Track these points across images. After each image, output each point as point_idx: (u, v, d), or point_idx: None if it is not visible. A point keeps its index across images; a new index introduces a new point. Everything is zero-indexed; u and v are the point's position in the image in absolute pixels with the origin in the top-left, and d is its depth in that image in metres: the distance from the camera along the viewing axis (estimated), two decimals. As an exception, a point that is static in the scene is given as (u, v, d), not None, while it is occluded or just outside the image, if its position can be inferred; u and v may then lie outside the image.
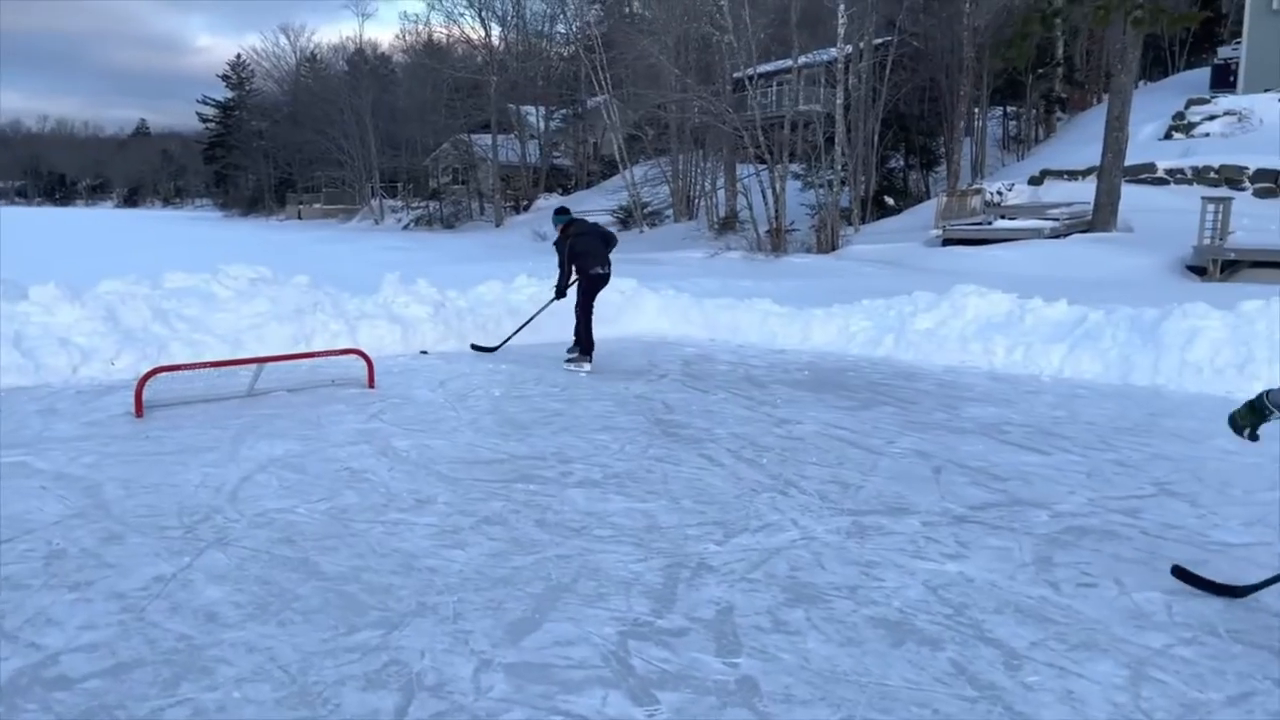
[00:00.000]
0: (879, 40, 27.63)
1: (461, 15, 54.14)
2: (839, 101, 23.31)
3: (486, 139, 52.02)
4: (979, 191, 23.84)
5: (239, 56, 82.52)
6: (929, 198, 30.27)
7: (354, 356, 7.78)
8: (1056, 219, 20.24)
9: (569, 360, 8.98)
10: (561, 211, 9.69)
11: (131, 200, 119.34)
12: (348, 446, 5.79)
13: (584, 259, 9.07)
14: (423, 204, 54.43)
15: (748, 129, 24.44)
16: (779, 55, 32.13)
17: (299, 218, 66.89)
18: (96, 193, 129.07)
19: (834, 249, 23.11)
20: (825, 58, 28.47)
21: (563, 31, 55.86)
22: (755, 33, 24.72)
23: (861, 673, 3.02)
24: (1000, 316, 9.65)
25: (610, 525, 4.44)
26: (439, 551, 4.06)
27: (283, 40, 78.72)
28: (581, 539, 4.25)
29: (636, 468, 5.44)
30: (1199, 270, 16.93)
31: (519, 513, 4.60)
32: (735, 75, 29.01)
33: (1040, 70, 31.67)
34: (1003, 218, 21.21)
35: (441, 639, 3.22)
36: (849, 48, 23.73)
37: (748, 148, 26.86)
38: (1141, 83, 36.51)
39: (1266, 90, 25.86)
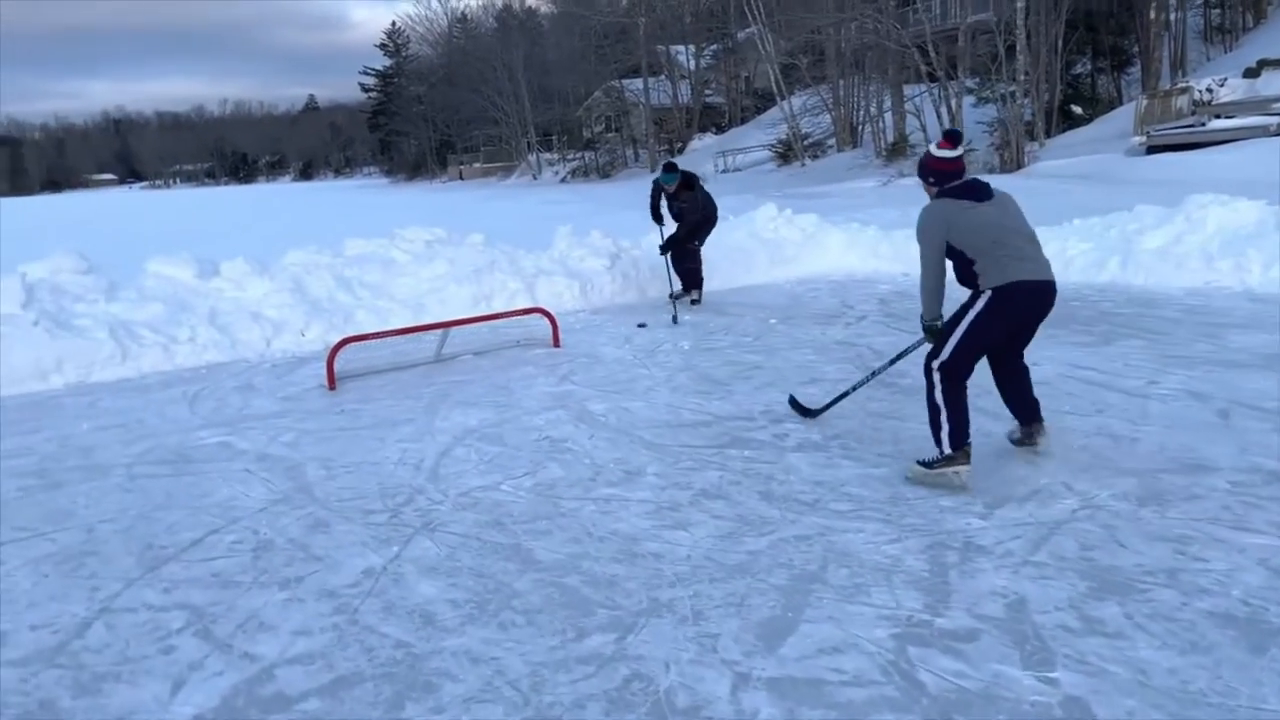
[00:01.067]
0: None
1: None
2: (1020, 4, 21.33)
3: (637, 84, 51.42)
4: (1185, 90, 21.46)
5: (394, 24, 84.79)
6: (1121, 103, 27.69)
7: (537, 315, 7.46)
8: (1278, 113, 17.92)
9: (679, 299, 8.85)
10: (670, 169, 9.15)
11: (306, 173, 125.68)
12: (543, 413, 5.46)
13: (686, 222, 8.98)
14: (578, 155, 54.53)
15: (917, 44, 22.80)
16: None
17: (460, 178, 68.44)
18: (275, 169, 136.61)
19: (1020, 167, 21.39)
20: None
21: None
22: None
23: (1225, 693, 2.38)
24: (1250, 227, 8.40)
25: (847, 497, 3.89)
26: (660, 533, 3.63)
27: (434, 3, 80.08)
28: (817, 514, 3.72)
29: (859, 425, 4.86)
30: None
31: (739, 484, 4.12)
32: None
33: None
34: (1217, 117, 18.98)
35: (685, 646, 2.77)
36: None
37: (917, 65, 25.18)
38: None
39: None
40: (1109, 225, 9.32)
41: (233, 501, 4.28)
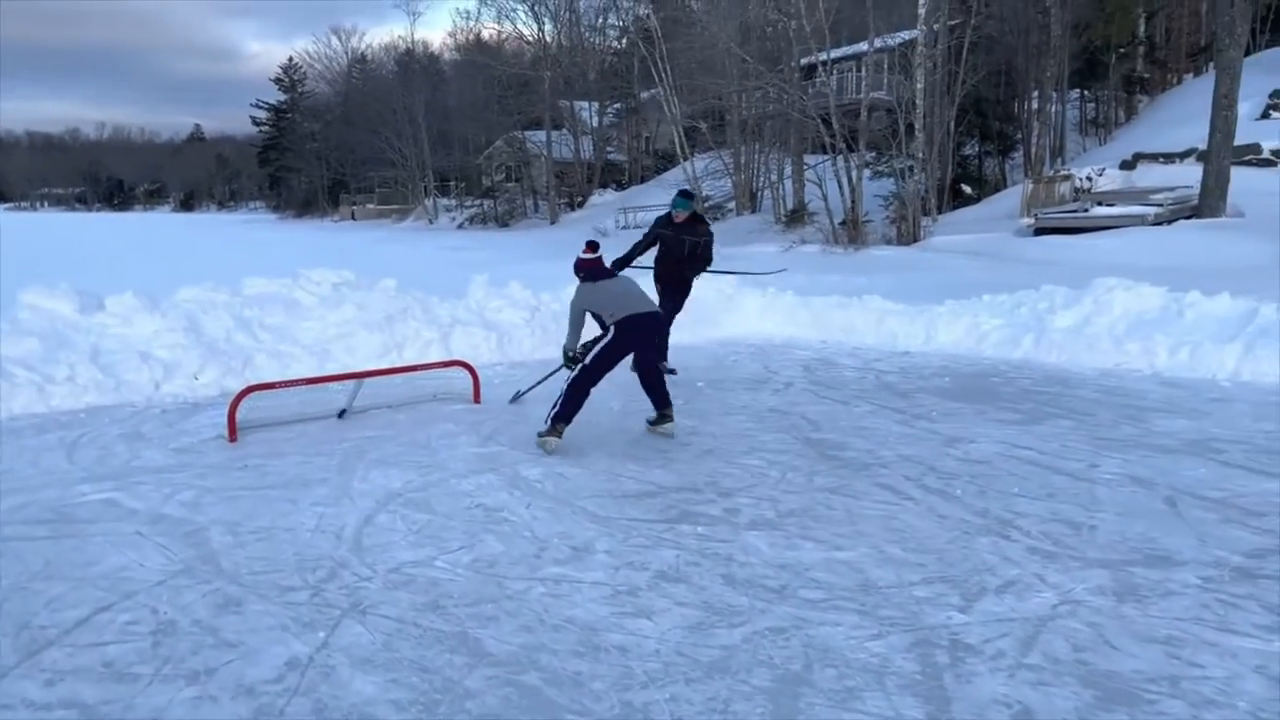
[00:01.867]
0: (953, 22, 26.47)
1: (514, 11, 53.43)
2: (919, 85, 22.21)
3: (539, 135, 51.50)
4: (1068, 177, 22.64)
5: (291, 59, 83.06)
6: (1006, 185, 29.06)
7: (457, 368, 7.06)
8: (1160, 204, 19.02)
9: None
10: (687, 195, 8.81)
11: (187, 204, 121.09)
12: (472, 477, 5.08)
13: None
14: (476, 202, 54.08)
15: (820, 115, 23.45)
16: (848, 40, 31.15)
17: (353, 218, 67.00)
18: (153, 197, 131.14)
19: (916, 240, 22.07)
20: (896, 41, 27.41)
21: (616, 25, 55.26)
22: (828, 15, 23.70)
23: (1268, 825, 2.21)
24: (1154, 312, 8.69)
25: (815, 583, 3.66)
26: (622, 622, 3.32)
27: (334, 42, 78.86)
28: (788, 603, 3.48)
29: (811, 502, 4.65)
30: (1326, 256, 15.67)
31: (698, 565, 3.84)
32: (804, 61, 28.01)
33: (1122, 49, 30.23)
34: (1099, 204, 20.01)
35: (674, 763, 2.47)
36: (927, 28, 22.61)
37: (821, 136, 25.87)
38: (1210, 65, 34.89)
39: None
40: (1019, 303, 9.54)
41: (124, 572, 3.76)
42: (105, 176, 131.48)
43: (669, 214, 8.60)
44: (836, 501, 4.66)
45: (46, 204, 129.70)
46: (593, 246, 6.23)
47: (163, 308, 8.19)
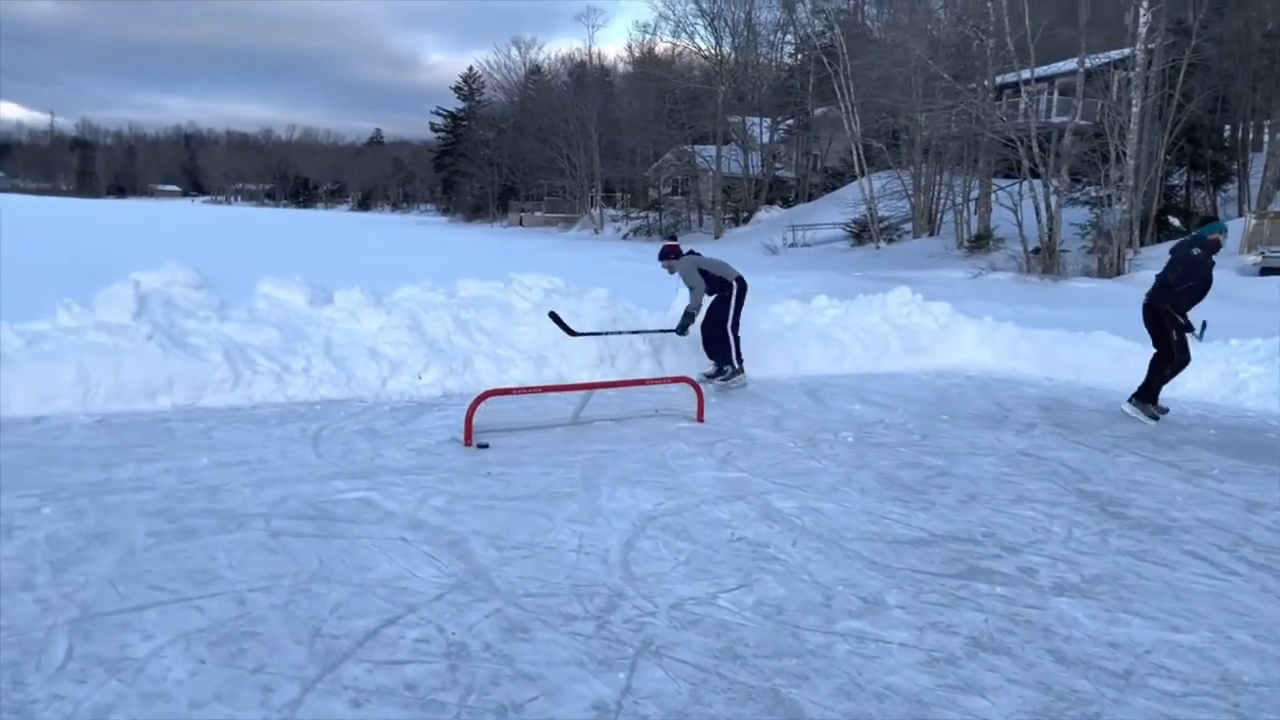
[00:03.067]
0: (1168, 42, 24.76)
1: (693, 25, 53.65)
2: (1135, 109, 20.81)
3: (708, 150, 51.52)
4: (1297, 213, 20.71)
5: (471, 69, 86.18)
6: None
7: (681, 384, 6.81)
8: None
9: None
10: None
11: (364, 204, 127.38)
12: (722, 504, 4.79)
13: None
14: (642, 214, 54.50)
15: (1020, 138, 22.31)
16: (1043, 59, 29.66)
17: (520, 224, 68.78)
18: (334, 196, 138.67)
19: (1120, 273, 20.67)
20: (1103, 60, 25.87)
21: (794, 40, 54.74)
22: (1034, 31, 22.55)
23: None
24: None
25: (1165, 671, 3.17)
26: (954, 698, 2.93)
27: (514, 52, 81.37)
28: (1141, 693, 3.01)
29: (1114, 567, 4.14)
30: None
31: (1013, 634, 3.41)
32: (999, 80, 26.84)
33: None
34: (1339, 244, 18.19)
35: None
36: (1144, 47, 21.17)
37: (1010, 159, 24.69)
38: None
39: None
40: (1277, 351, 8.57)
41: (400, 582, 3.63)
42: (293, 175, 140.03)
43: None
44: (1147, 570, 4.12)
45: (239, 198, 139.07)
46: (674, 237, 8.10)
47: (386, 305, 8.31)
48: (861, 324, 9.67)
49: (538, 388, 6.15)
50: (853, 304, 10.15)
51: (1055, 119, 26.00)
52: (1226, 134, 28.80)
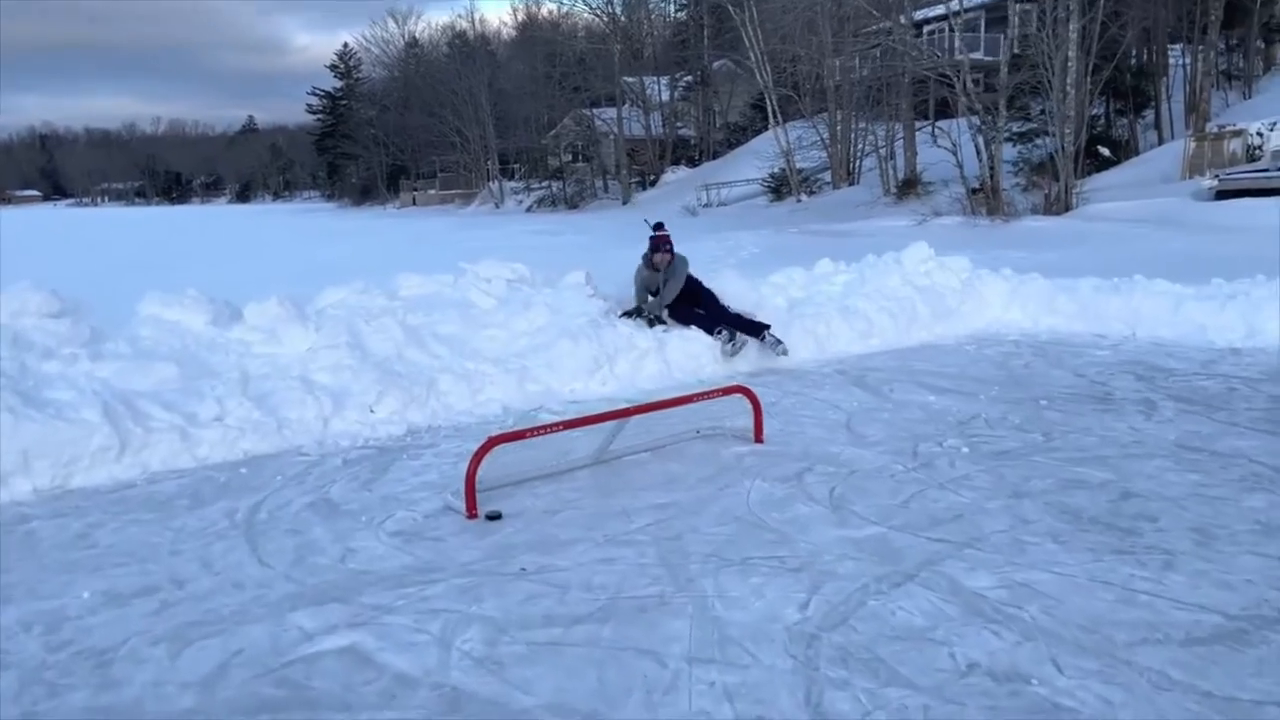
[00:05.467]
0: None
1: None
2: (1072, 33, 19.85)
3: (607, 113, 49.59)
4: (1239, 133, 20.17)
5: (346, 45, 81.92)
6: (1139, 147, 26.57)
7: (737, 395, 5.18)
8: (1372, 160, 16.58)
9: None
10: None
11: (244, 196, 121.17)
12: (892, 592, 3.23)
13: None
14: (544, 184, 52.31)
15: (955, 73, 21.21)
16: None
17: (414, 204, 65.77)
18: (210, 190, 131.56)
19: (1068, 209, 19.82)
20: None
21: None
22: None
23: None
24: None
25: None
26: None
27: (390, 25, 77.23)
28: None
29: None
30: None
31: None
32: (916, 16, 25.75)
33: (1265, -8, 27.46)
34: (1295, 162, 17.61)
35: None
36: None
37: (940, 98, 23.67)
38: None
39: None
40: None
41: None
42: (163, 170, 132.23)
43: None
44: None
45: (106, 199, 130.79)
46: (660, 225, 7.65)
47: (312, 317, 6.48)
48: (881, 289, 8.21)
49: (557, 424, 4.45)
50: (865, 266, 8.69)
51: (980, 56, 25.00)
52: (1141, 60, 28.39)
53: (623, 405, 5.96)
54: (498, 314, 6.90)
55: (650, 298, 7.31)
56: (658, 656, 2.83)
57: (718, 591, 3.26)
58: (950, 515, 3.94)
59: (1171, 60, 29.02)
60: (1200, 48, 25.50)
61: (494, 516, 4.06)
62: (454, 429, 5.64)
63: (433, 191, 65.81)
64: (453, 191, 63.48)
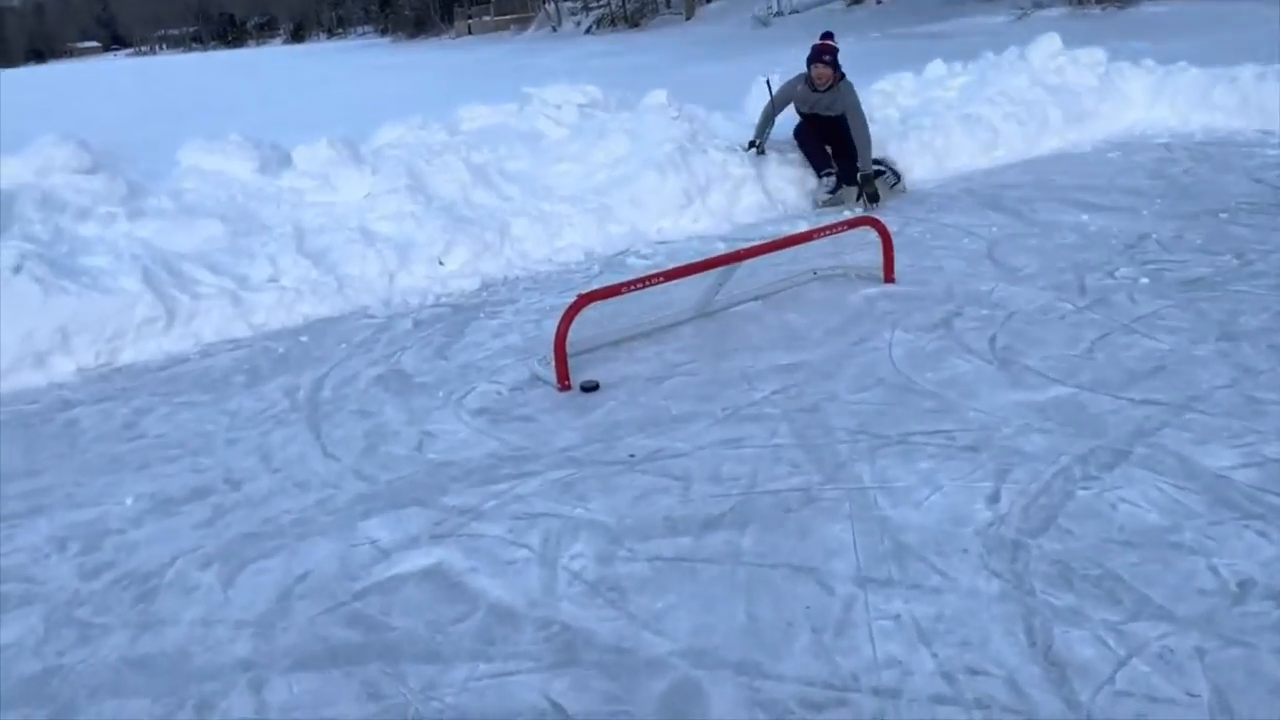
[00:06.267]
0: None
1: None
2: None
3: (667, -83, 46.06)
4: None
5: None
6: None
7: (864, 228, 4.38)
8: None
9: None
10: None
11: (298, 35, 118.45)
12: (1119, 483, 2.54)
13: None
14: (602, 2, 49.45)
15: None
16: None
17: (469, 33, 63.30)
18: (264, 31, 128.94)
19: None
20: None
21: None
22: None
23: None
24: None
25: None
26: None
27: None
28: None
29: None
30: None
31: None
32: None
33: None
34: None
35: None
36: None
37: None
38: None
39: None
40: None
41: None
42: (217, 13, 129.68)
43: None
44: None
45: (164, 46, 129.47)
46: (830, 35, 6.18)
47: (368, 159, 5.78)
48: (1006, 92, 7.13)
49: (656, 276, 3.73)
50: (985, 67, 7.57)
51: None
52: None
53: (721, 246, 5.26)
54: (571, 145, 6.10)
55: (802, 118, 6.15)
56: (818, 577, 2.23)
57: (879, 481, 2.62)
58: (1150, 367, 3.19)
59: None
60: None
61: (590, 387, 3.45)
62: (533, 280, 4.99)
63: (488, 18, 63.06)
64: (508, 17, 60.72)
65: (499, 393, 3.53)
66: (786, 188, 6.01)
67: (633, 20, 47.01)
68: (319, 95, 22.20)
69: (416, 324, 4.44)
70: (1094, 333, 3.51)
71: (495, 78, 21.69)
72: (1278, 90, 7.11)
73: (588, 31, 47.76)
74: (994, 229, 5.05)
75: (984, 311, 3.84)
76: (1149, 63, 7.92)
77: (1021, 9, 19.40)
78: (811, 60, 5.96)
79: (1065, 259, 4.43)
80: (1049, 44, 7.51)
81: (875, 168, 5.95)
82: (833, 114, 5.97)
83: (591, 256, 5.33)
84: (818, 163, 6.07)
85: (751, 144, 6.08)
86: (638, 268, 5.09)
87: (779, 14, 34.21)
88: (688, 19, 44.17)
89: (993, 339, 3.55)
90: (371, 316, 4.58)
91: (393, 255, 4.97)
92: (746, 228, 5.67)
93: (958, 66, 7.73)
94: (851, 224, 4.33)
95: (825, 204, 5.93)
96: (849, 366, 3.44)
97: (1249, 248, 4.32)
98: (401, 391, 3.62)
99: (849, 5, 30.78)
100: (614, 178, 5.84)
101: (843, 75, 5.95)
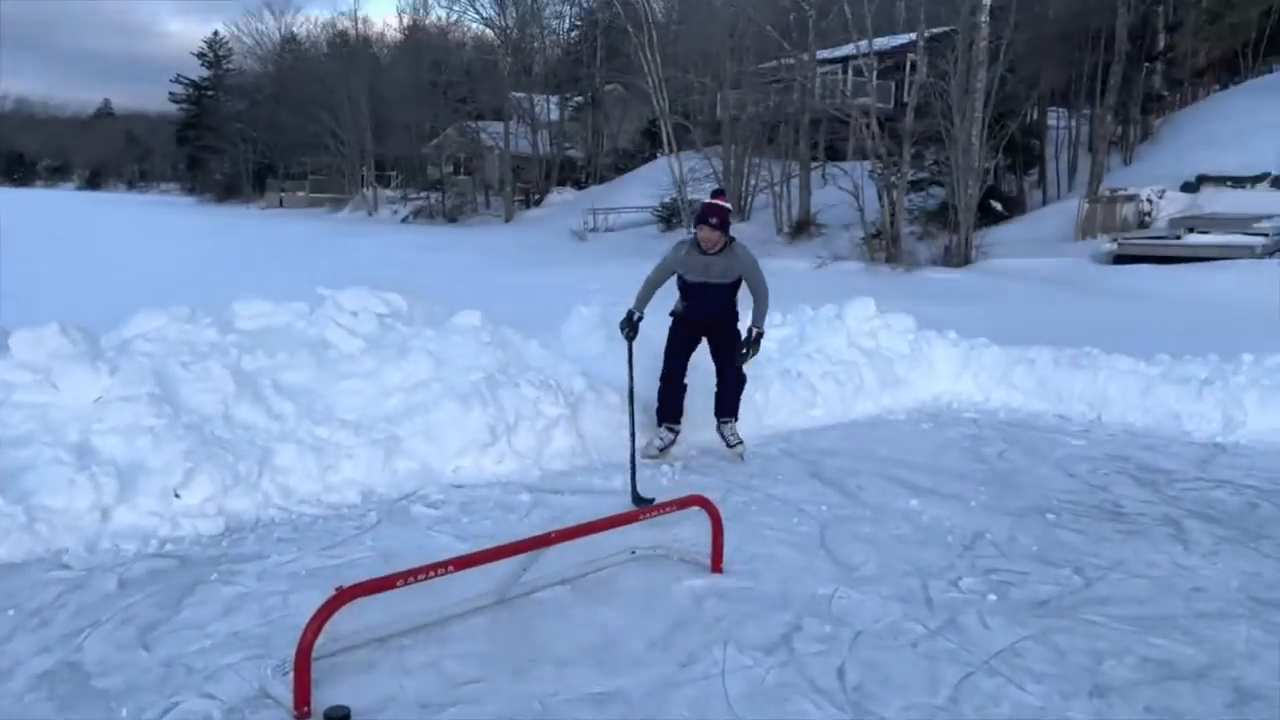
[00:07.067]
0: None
1: (475, -11, 48.96)
2: (979, 84, 19.55)
3: (494, 127, 47.84)
4: (1131, 198, 20.26)
5: (216, 33, 77.20)
6: (1026, 206, 26.78)
7: (694, 508, 3.81)
8: (1264, 233, 16.70)
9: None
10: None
11: (94, 183, 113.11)
12: None
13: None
14: (422, 195, 50.03)
15: (864, 113, 20.68)
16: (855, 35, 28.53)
17: (280, 205, 62.28)
18: (57, 174, 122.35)
19: (968, 261, 19.43)
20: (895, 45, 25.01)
21: (575, 14, 52.04)
22: (870, 4, 20.93)
23: None
24: None
25: None
26: None
27: (267, 18, 72.60)
28: None
29: None
30: None
31: None
32: (820, 56, 25.31)
33: (1149, 63, 28.32)
34: (1191, 230, 17.64)
35: None
36: (985, 19, 19.93)
37: (842, 139, 23.19)
38: (1214, 88, 33.47)
39: None
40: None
41: None
42: (5, 149, 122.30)
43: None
44: None
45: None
46: (721, 192, 5.79)
47: (108, 355, 4.80)
48: (824, 350, 7.05)
49: (446, 564, 2.95)
50: (804, 322, 7.52)
51: (869, 101, 24.58)
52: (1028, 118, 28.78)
53: (526, 496, 4.58)
54: (364, 360, 5.36)
55: (683, 290, 5.46)
56: None
57: None
58: (1021, 729, 2.69)
59: (1052, 122, 29.65)
60: (1098, 110, 25.87)
61: (337, 718, 2.57)
62: (292, 527, 4.10)
63: (301, 194, 62.55)
64: (323, 195, 60.37)
65: (208, 716, 2.59)
66: (602, 433, 5.47)
67: (451, 216, 47.65)
68: (92, 254, 20.45)
69: (123, 584, 3.43)
70: (954, 672, 3.01)
71: (308, 253, 20.85)
72: (1071, 377, 7.39)
73: (403, 221, 47.90)
74: (823, 508, 4.64)
75: (827, 628, 3.29)
76: (953, 335, 8.16)
77: (821, 259, 20.72)
78: (699, 222, 5.36)
79: (904, 558, 4.01)
80: (863, 307, 7.59)
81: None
82: (725, 281, 5.37)
83: (370, 499, 4.51)
84: (666, 410, 5.53)
85: (629, 323, 5.41)
86: (424, 518, 4.32)
87: (594, 230, 35.45)
88: (507, 221, 45.24)
89: (841, 671, 2.98)
90: (65, 568, 3.53)
91: (112, 483, 3.96)
92: (556, 475, 5.05)
93: (776, 317, 7.65)
94: (681, 504, 3.75)
95: (649, 456, 5.39)
96: (675, 703, 2.76)
97: (1085, 561, 4.06)
98: (69, 704, 2.61)
99: (661, 231, 32.25)
100: (410, 404, 5.12)
101: (732, 238, 5.41)
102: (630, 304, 5.48)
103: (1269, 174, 19.92)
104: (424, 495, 4.60)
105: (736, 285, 5.45)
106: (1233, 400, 6.79)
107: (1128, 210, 20.08)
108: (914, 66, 24.61)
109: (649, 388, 5.51)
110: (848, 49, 28.08)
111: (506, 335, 5.92)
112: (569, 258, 23.08)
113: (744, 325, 5.53)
